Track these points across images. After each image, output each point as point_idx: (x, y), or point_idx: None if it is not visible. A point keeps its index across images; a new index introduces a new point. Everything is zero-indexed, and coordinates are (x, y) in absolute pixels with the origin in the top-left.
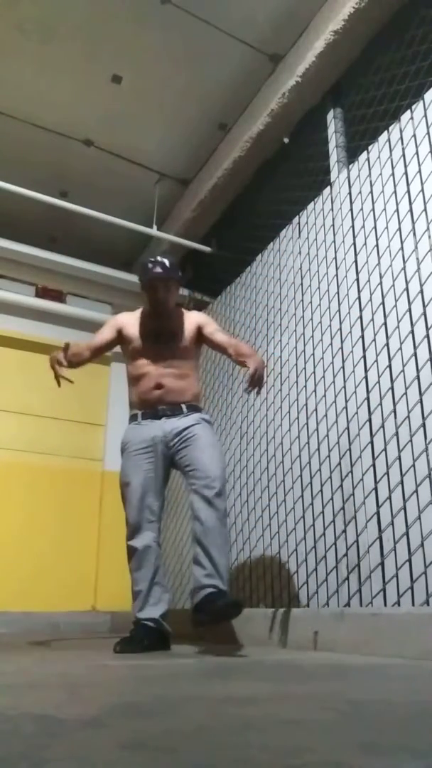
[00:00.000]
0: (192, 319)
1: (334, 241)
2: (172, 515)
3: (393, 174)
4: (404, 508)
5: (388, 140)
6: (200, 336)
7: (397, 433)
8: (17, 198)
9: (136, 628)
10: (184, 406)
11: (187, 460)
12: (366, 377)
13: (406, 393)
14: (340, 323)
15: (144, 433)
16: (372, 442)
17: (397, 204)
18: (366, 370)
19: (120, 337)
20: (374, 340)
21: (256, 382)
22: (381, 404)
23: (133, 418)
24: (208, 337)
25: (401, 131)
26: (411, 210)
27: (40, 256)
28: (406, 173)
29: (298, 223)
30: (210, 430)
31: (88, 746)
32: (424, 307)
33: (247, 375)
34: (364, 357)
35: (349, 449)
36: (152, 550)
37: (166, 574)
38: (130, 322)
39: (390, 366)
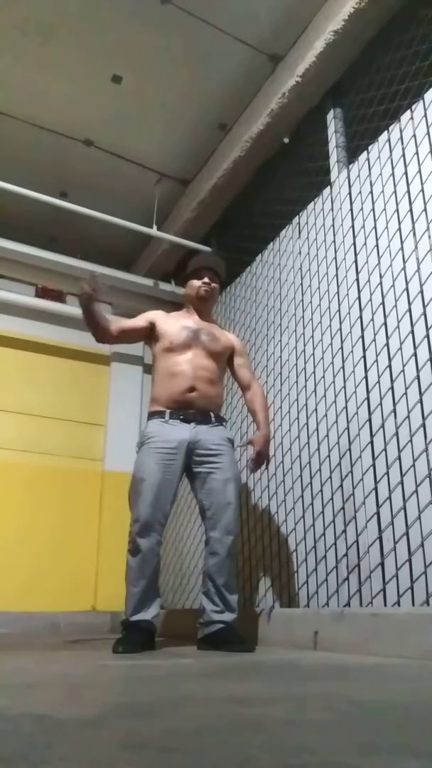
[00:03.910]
0: (230, 336)
1: (334, 241)
2: (173, 515)
3: (393, 174)
4: (404, 508)
5: (388, 140)
6: (230, 359)
7: (397, 433)
8: (17, 198)
9: (131, 628)
10: (212, 415)
11: (208, 501)
12: (366, 377)
13: (406, 393)
14: (340, 323)
15: (171, 434)
16: (372, 442)
17: (397, 204)
18: (366, 370)
19: (151, 331)
20: (374, 340)
21: (260, 461)
22: (381, 404)
23: (159, 414)
24: (236, 368)
25: (401, 131)
26: (411, 210)
27: (40, 256)
28: (406, 173)
29: (298, 223)
30: (234, 456)
31: (88, 746)
32: (424, 307)
33: (251, 456)
34: (364, 357)
35: (349, 449)
36: (156, 553)
37: (165, 574)
38: (165, 317)
39: (390, 366)
